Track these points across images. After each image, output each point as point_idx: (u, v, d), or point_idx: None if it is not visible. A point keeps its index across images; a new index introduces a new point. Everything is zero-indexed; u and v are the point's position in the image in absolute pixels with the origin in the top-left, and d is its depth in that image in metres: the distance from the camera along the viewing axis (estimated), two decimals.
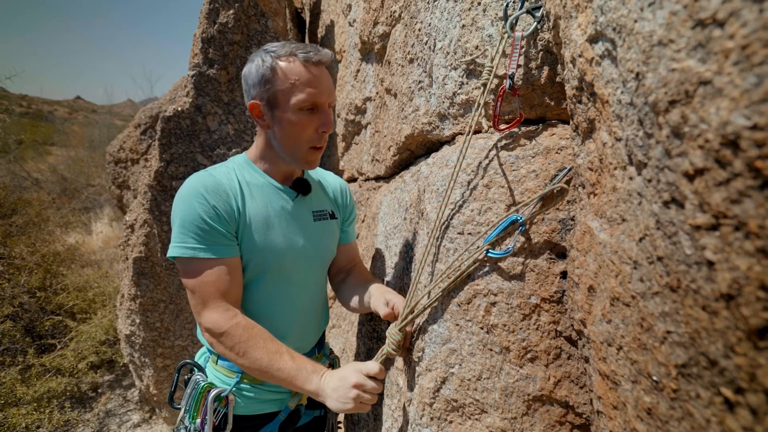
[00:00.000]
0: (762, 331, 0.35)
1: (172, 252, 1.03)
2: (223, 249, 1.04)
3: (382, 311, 1.08)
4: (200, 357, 1.24)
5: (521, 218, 0.86)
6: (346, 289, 1.32)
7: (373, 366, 0.99)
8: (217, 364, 1.16)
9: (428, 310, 0.98)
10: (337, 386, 0.98)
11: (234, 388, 1.12)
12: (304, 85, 1.03)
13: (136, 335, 2.93)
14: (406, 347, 1.05)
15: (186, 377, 1.21)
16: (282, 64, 1.04)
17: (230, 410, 1.10)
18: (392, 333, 1.02)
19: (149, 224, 2.74)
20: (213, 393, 1.09)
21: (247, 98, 1.12)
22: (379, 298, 1.13)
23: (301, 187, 1.20)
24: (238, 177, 1.11)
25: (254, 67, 1.07)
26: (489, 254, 0.88)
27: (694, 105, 0.40)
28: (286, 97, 1.04)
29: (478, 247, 0.90)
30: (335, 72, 2.62)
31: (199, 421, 1.09)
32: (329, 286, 1.41)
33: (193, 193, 1.03)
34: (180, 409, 1.15)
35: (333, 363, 1.37)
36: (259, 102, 1.08)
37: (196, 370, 1.19)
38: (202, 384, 1.11)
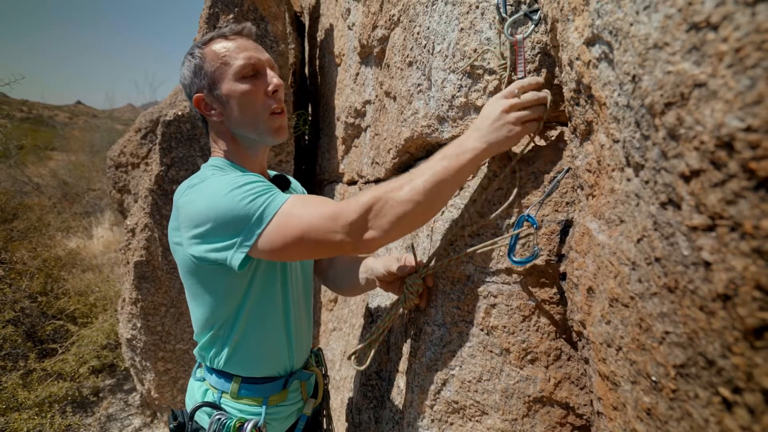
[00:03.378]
0: (758, 331, 0.36)
1: (257, 227, 0.88)
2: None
3: (394, 265, 1.03)
4: (205, 395, 1.11)
5: (531, 217, 0.84)
6: (337, 272, 1.29)
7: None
8: (238, 396, 1.08)
9: (452, 263, 0.94)
10: (487, 118, 0.85)
11: (266, 416, 1.06)
12: (235, 53, 1.02)
13: (137, 339, 2.93)
14: (424, 301, 1.02)
15: (174, 423, 1.10)
16: (207, 49, 1.03)
17: None
18: (413, 280, 0.98)
19: (150, 228, 2.75)
20: (249, 426, 1.01)
21: (189, 101, 1.08)
22: (381, 261, 1.10)
23: (280, 183, 1.20)
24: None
25: (185, 67, 1.06)
26: (515, 265, 0.86)
27: (690, 107, 0.40)
28: (223, 73, 1.02)
29: (505, 258, 0.88)
30: (335, 75, 2.62)
31: None
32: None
33: (219, 182, 0.95)
34: None
35: (318, 355, 1.34)
36: (201, 93, 1.04)
37: (210, 410, 1.07)
38: (231, 423, 1.01)
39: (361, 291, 1.26)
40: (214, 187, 0.93)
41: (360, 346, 1.06)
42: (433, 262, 0.98)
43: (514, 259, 0.85)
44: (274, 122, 1.05)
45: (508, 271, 0.88)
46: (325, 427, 1.33)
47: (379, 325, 1.04)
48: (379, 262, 1.13)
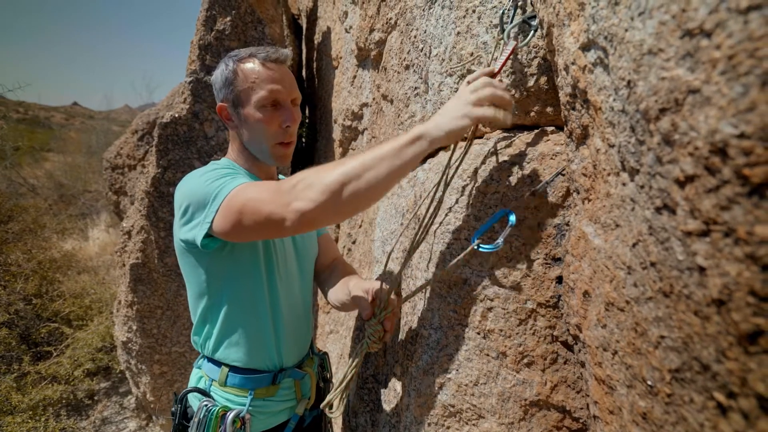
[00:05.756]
0: (752, 336, 0.36)
1: (213, 209, 0.94)
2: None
3: (364, 312, 1.04)
4: (198, 382, 1.16)
5: (511, 213, 0.86)
6: (330, 287, 1.31)
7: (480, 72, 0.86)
8: (225, 385, 1.11)
9: (412, 298, 0.96)
10: (451, 104, 0.83)
11: (250, 407, 1.08)
12: (264, 82, 1.07)
13: (132, 342, 2.91)
14: (387, 341, 1.03)
15: (174, 409, 1.14)
16: (242, 65, 1.08)
17: (248, 429, 1.07)
18: (372, 327, 1.00)
19: (146, 230, 2.74)
20: (231, 415, 1.04)
21: (217, 102, 1.16)
22: (360, 284, 1.12)
23: None
24: None
25: (219, 72, 1.12)
26: (480, 249, 0.88)
27: (684, 113, 0.40)
28: (248, 96, 1.08)
29: (470, 244, 0.90)
30: (332, 78, 2.63)
31: None
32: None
33: (204, 170, 1.06)
34: None
35: (323, 360, 1.35)
36: (225, 104, 1.12)
37: (200, 396, 1.12)
38: (216, 409, 1.06)
39: (349, 309, 1.26)
40: (195, 174, 1.05)
41: (332, 395, 1.05)
42: (393, 294, 0.99)
43: (478, 243, 0.87)
44: (278, 151, 1.12)
45: (505, 275, 0.88)
46: None
47: (346, 374, 1.04)
48: (358, 285, 1.13)
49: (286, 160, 1.16)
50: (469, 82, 0.86)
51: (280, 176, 1.32)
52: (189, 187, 1.04)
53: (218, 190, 0.96)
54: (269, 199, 0.88)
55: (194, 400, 1.12)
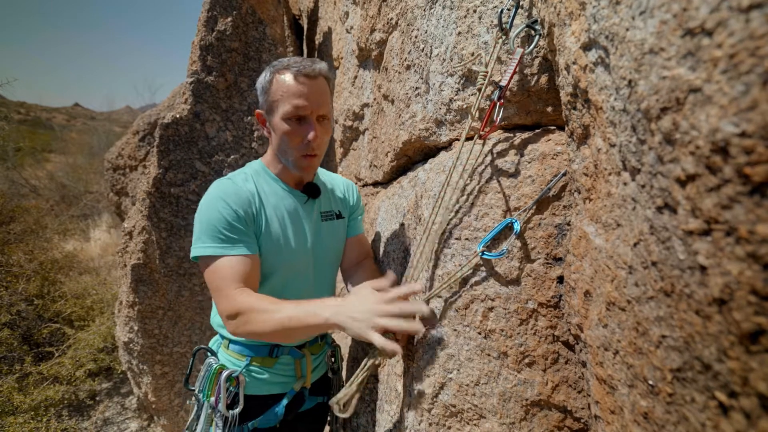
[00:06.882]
0: (754, 336, 0.36)
1: (197, 252, 1.11)
2: (244, 247, 1.11)
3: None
4: (213, 343, 1.35)
5: (516, 221, 0.87)
6: (360, 279, 1.33)
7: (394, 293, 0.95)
8: (228, 348, 1.26)
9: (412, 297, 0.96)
10: (357, 306, 0.96)
11: (244, 370, 1.22)
12: (291, 96, 1.11)
13: (134, 342, 2.92)
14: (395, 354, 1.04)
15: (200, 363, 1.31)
16: (278, 76, 1.13)
17: (241, 390, 1.20)
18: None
19: (147, 231, 2.74)
20: (225, 373, 1.19)
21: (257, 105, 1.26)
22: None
23: (310, 190, 1.28)
24: (255, 182, 1.21)
25: (260, 79, 1.18)
26: (483, 256, 0.89)
27: (685, 112, 0.40)
28: (277, 107, 1.13)
29: (475, 252, 0.90)
30: (333, 78, 2.63)
31: (213, 399, 1.20)
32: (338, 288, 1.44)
33: (217, 199, 1.11)
34: (194, 390, 1.28)
35: (335, 351, 1.44)
36: (262, 111, 1.19)
37: (209, 354, 1.30)
38: (215, 366, 1.22)
39: None
40: (205, 196, 1.15)
41: (342, 394, 1.05)
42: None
43: (482, 250, 0.89)
44: (302, 162, 1.18)
45: (506, 275, 0.88)
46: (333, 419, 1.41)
47: (357, 374, 1.04)
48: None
49: (310, 170, 1.22)
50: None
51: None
52: (199, 206, 1.15)
53: (194, 240, 1.12)
54: (222, 308, 1.06)
55: (209, 358, 1.30)
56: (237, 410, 1.18)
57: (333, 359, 1.42)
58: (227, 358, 1.26)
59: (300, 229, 1.24)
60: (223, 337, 1.29)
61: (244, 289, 1.06)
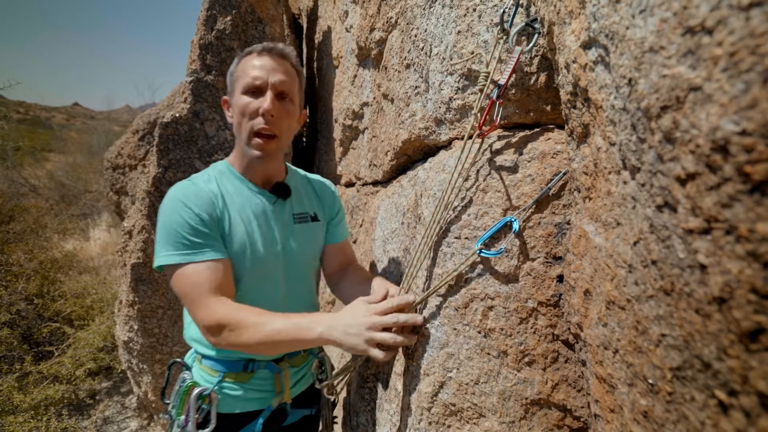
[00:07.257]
0: (753, 334, 0.36)
1: (160, 261, 1.04)
2: (212, 251, 1.05)
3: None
4: (189, 357, 1.27)
5: (515, 220, 0.87)
6: (345, 290, 1.29)
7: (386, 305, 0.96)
8: (201, 363, 1.19)
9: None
10: (349, 319, 0.95)
11: (216, 387, 1.15)
12: (249, 69, 1.10)
13: (134, 341, 2.92)
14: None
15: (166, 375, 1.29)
16: (242, 59, 1.14)
17: (213, 408, 1.13)
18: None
19: (147, 230, 2.74)
20: (196, 391, 1.13)
21: None
22: (381, 288, 1.13)
23: (280, 190, 1.21)
24: (218, 183, 1.14)
25: (230, 68, 1.17)
26: (482, 254, 0.89)
27: (685, 111, 0.40)
28: (238, 85, 1.11)
29: (473, 250, 0.90)
30: (333, 77, 2.63)
31: (183, 417, 1.13)
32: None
33: (177, 202, 1.05)
34: (168, 404, 1.22)
35: (322, 361, 1.36)
36: (227, 96, 1.18)
37: (184, 368, 1.23)
38: (187, 382, 1.16)
39: None
40: (163, 202, 1.09)
41: (332, 379, 1.05)
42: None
43: (481, 248, 0.89)
44: (255, 141, 1.10)
45: (506, 274, 0.88)
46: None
47: (348, 363, 1.05)
48: (382, 284, 1.14)
49: (265, 152, 1.11)
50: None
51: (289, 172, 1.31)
52: (159, 211, 1.09)
53: (157, 249, 1.06)
54: (200, 319, 1.02)
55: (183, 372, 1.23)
56: (208, 430, 1.11)
57: (321, 369, 1.35)
58: (200, 373, 1.19)
59: (268, 231, 1.16)
60: (197, 352, 1.21)
61: (221, 298, 1.01)
